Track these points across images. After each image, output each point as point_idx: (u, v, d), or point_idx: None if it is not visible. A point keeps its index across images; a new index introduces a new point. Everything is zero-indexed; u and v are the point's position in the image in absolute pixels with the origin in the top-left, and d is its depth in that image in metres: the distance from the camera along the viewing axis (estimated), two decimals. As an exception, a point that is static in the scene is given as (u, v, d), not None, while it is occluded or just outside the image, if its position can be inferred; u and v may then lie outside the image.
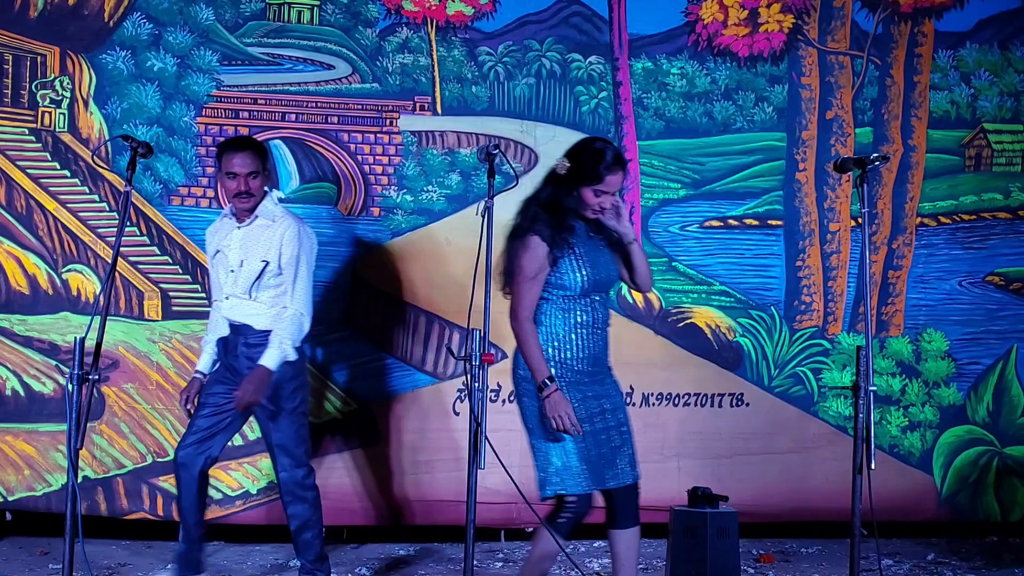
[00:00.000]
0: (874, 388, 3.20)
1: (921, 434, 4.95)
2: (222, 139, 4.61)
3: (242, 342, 3.67)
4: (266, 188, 3.72)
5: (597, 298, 3.26)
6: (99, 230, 4.50)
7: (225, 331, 3.73)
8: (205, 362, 3.79)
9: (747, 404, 4.86)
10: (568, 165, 3.24)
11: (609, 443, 3.21)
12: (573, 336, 3.22)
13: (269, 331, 3.63)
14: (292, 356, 3.65)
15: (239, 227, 3.70)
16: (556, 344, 3.22)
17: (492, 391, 4.55)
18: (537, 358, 3.18)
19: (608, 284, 3.31)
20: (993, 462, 4.97)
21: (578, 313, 3.23)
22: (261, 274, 3.64)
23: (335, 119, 4.66)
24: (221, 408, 3.69)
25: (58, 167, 4.49)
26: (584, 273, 3.21)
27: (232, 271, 3.69)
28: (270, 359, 3.59)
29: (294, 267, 3.65)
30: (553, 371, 3.18)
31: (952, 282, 5.00)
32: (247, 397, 3.57)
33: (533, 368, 3.19)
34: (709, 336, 4.84)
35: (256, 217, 3.68)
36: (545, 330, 3.23)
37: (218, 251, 3.74)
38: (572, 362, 3.21)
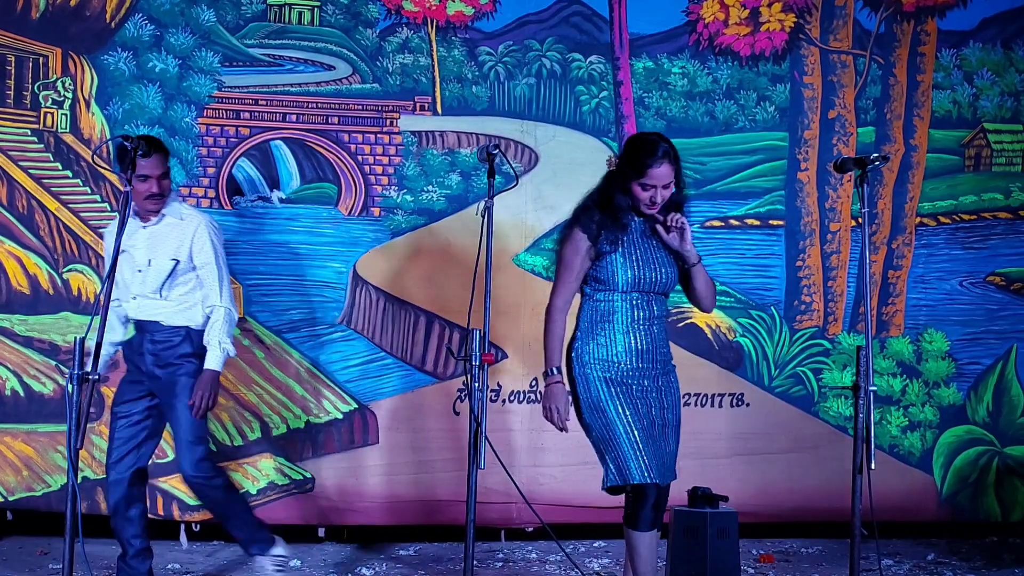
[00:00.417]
0: (874, 388, 3.19)
1: (921, 434, 4.94)
2: (223, 139, 4.62)
3: (148, 339, 3.64)
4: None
5: (639, 296, 3.25)
6: (100, 230, 4.49)
7: (120, 334, 3.72)
8: (99, 364, 3.75)
9: (747, 404, 4.85)
10: (616, 160, 3.26)
11: (656, 439, 3.20)
12: (612, 331, 3.23)
13: (177, 327, 3.64)
14: (232, 352, 3.68)
15: (144, 226, 3.67)
16: (596, 338, 3.23)
17: (492, 391, 4.56)
18: (554, 348, 3.22)
19: (657, 286, 3.28)
20: (993, 462, 4.96)
21: (618, 309, 3.24)
22: (172, 272, 3.62)
23: (335, 119, 4.66)
24: (138, 417, 3.65)
25: (60, 167, 4.49)
26: (627, 272, 3.22)
27: (140, 271, 3.66)
28: (214, 361, 3.62)
29: (214, 265, 3.66)
30: (595, 366, 3.20)
31: (952, 282, 4.98)
32: (203, 404, 3.58)
33: (547, 354, 3.23)
34: (709, 336, 4.84)
35: (163, 216, 3.67)
36: (586, 323, 3.26)
37: (123, 251, 3.65)
38: (611, 356, 3.22)
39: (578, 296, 3.36)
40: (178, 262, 3.63)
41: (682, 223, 3.25)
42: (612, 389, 3.20)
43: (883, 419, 4.89)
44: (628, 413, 3.18)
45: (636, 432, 3.16)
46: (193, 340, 3.66)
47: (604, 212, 3.24)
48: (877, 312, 4.92)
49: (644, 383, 3.24)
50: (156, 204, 3.65)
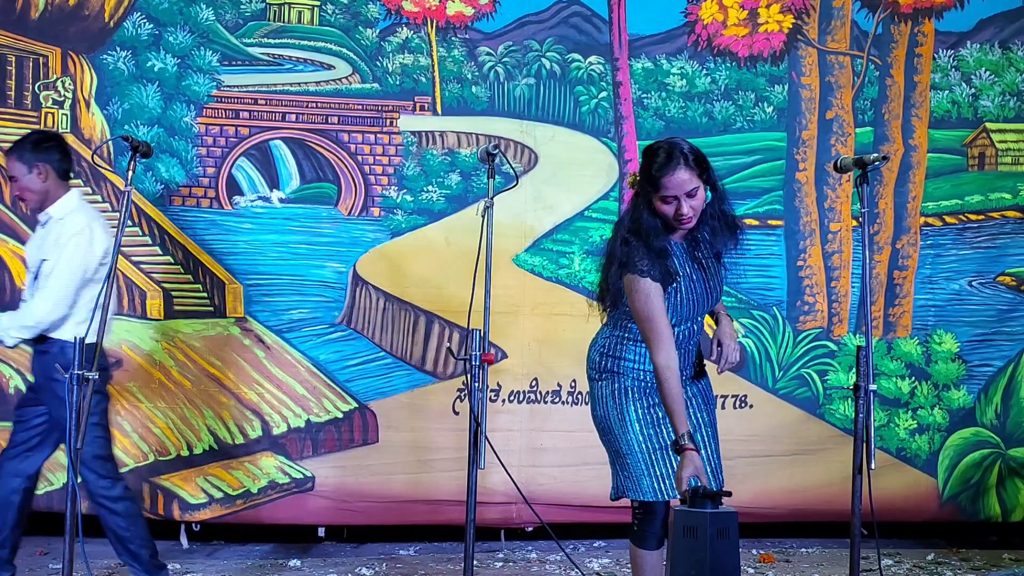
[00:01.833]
0: (874, 388, 3.16)
1: (929, 437, 4.91)
2: (222, 139, 4.63)
3: (31, 346, 3.49)
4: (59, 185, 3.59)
5: (687, 324, 3.04)
6: (101, 230, 4.51)
7: None
8: None
9: (751, 406, 4.83)
10: (636, 178, 3.00)
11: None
12: (632, 349, 3.04)
13: (50, 337, 3.52)
14: (9, 343, 3.52)
15: (39, 226, 3.66)
16: (633, 351, 3.05)
17: (492, 391, 4.56)
18: (677, 411, 2.85)
19: (705, 312, 3.10)
20: (997, 463, 4.94)
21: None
22: (38, 273, 3.52)
23: (335, 119, 4.66)
24: (32, 423, 3.57)
25: (61, 168, 4.50)
26: (682, 310, 2.99)
27: (28, 271, 3.63)
28: None
29: (52, 263, 3.52)
30: (626, 374, 3.02)
31: (961, 282, 4.95)
32: None
33: (672, 420, 2.88)
34: (711, 337, 4.82)
35: (49, 217, 3.62)
36: (625, 332, 3.05)
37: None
38: (646, 370, 3.03)
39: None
40: (44, 261, 3.52)
41: (734, 361, 3.09)
42: (635, 400, 3.02)
43: (891, 422, 4.87)
44: (648, 428, 3.01)
45: (653, 449, 3.00)
46: (66, 352, 3.41)
47: (644, 243, 2.92)
48: (884, 313, 4.90)
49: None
50: (26, 203, 3.60)
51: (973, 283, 4.94)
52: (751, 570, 4.40)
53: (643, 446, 3.01)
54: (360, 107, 4.67)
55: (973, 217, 4.97)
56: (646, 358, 3.01)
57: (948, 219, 4.96)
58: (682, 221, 2.92)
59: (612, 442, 3.07)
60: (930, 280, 4.93)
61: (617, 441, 3.05)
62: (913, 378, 4.90)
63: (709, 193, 2.97)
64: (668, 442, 2.99)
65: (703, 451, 3.06)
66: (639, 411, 3.03)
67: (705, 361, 3.18)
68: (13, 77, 4.47)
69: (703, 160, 2.94)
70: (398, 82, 4.68)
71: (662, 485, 3.01)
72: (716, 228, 3.04)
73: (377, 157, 4.68)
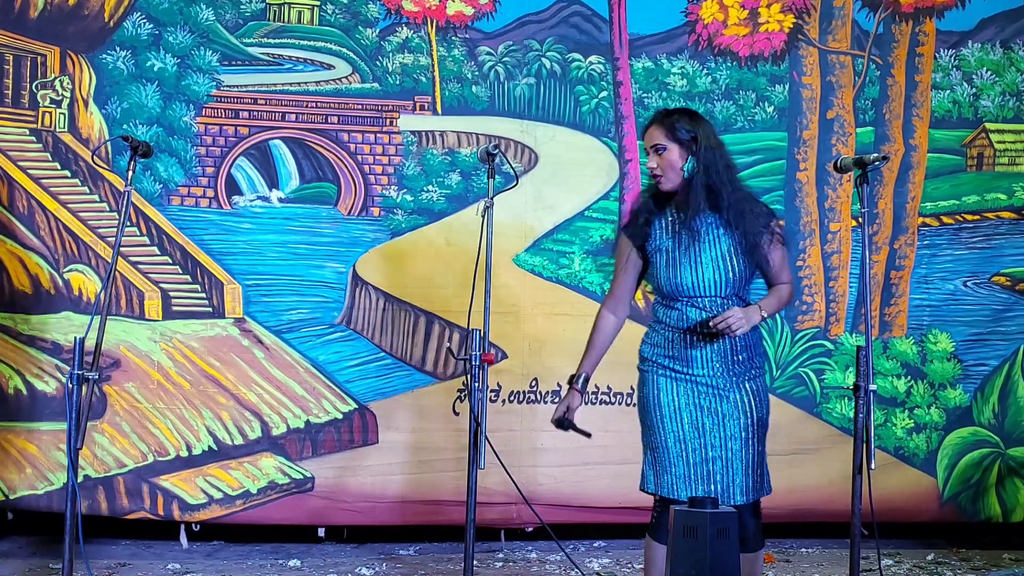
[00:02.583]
0: (874, 388, 3.16)
1: (927, 436, 4.92)
2: (221, 139, 4.63)
3: None
4: None
5: (689, 302, 3.05)
6: (100, 230, 4.50)
7: None
8: None
9: (749, 405, 4.84)
10: None
11: (701, 451, 3.04)
12: (656, 330, 3.13)
13: None
14: None
15: None
16: (655, 337, 3.13)
17: (492, 391, 4.56)
18: (586, 351, 3.17)
19: (702, 290, 3.06)
20: (996, 463, 4.94)
21: (671, 315, 3.10)
22: None
23: (335, 119, 4.66)
24: None
25: (59, 167, 4.50)
26: (665, 274, 3.08)
27: None
28: None
29: None
30: (653, 364, 3.10)
31: (956, 282, 4.96)
32: None
33: (582, 359, 3.19)
34: (710, 336, 4.82)
35: None
36: (652, 321, 3.17)
37: None
38: (669, 356, 3.08)
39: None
40: None
41: (725, 328, 2.97)
42: (663, 396, 3.06)
43: (888, 421, 4.88)
44: (673, 424, 3.04)
45: (675, 442, 3.03)
46: None
47: (637, 207, 3.16)
48: (880, 313, 4.90)
49: (689, 387, 3.08)
50: None
51: (968, 283, 4.95)
52: (751, 570, 4.40)
53: (667, 442, 3.04)
54: (360, 107, 4.67)
55: (969, 217, 4.98)
56: (672, 342, 3.07)
57: (944, 219, 4.97)
58: (657, 177, 3.07)
59: (643, 433, 3.13)
60: (926, 280, 4.93)
61: (644, 431, 3.11)
62: (909, 377, 4.91)
63: (692, 162, 3.04)
64: (694, 443, 3.04)
65: (734, 463, 3.05)
66: (666, 407, 3.06)
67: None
68: (11, 76, 4.45)
69: (682, 127, 3.04)
70: (398, 82, 4.68)
71: (679, 484, 3.04)
72: (695, 200, 3.04)
73: (377, 157, 4.68)
